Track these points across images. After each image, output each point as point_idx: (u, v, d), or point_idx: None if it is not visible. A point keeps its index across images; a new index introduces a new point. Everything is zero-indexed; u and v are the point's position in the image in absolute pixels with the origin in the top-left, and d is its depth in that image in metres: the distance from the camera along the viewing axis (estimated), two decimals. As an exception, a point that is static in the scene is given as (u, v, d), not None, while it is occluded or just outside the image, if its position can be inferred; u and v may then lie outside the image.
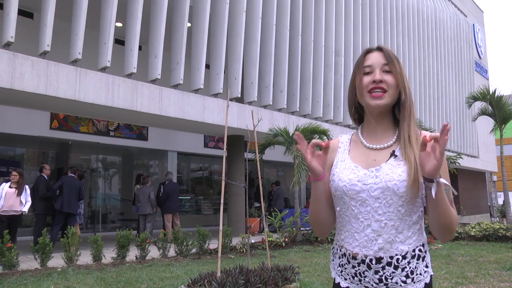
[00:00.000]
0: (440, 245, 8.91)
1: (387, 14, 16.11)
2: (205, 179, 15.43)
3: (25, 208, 7.67)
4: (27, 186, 7.84)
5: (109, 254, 7.07)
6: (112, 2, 8.16)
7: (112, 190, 13.12)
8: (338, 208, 1.39)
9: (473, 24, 24.57)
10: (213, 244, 7.96)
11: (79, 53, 7.72)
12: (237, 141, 11.52)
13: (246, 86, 10.82)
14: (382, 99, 1.33)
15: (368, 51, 1.40)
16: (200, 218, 13.99)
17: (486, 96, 13.25)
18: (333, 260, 1.44)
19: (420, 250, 1.32)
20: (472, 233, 10.08)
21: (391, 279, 1.29)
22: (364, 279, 1.32)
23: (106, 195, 12.72)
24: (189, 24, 9.64)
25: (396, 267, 1.29)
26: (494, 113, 13.21)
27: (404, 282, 1.28)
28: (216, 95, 10.00)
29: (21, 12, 8.45)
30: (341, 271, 1.39)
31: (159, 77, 8.89)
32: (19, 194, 7.58)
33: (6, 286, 5.09)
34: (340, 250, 1.39)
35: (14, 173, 7.66)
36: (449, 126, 1.10)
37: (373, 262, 1.30)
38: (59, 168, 11.27)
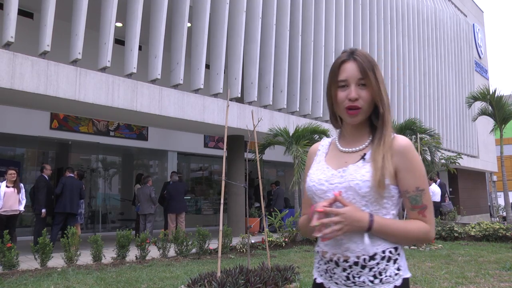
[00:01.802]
0: (440, 245, 8.91)
1: (387, 14, 16.11)
2: (205, 179, 15.43)
3: (22, 207, 7.70)
4: (22, 184, 7.85)
5: (109, 254, 7.07)
6: (112, 2, 8.15)
7: (112, 190, 13.12)
8: None
9: (473, 24, 24.57)
10: (213, 244, 7.96)
11: (79, 53, 7.72)
12: (237, 141, 11.52)
13: (246, 86, 10.82)
14: (357, 117, 1.36)
15: (343, 61, 1.37)
16: (200, 218, 14.00)
17: (486, 96, 13.25)
18: (315, 258, 1.48)
19: (390, 252, 1.30)
20: (472, 233, 10.07)
21: (358, 277, 1.30)
22: (334, 276, 1.35)
23: (106, 195, 12.72)
24: (189, 24, 9.63)
25: (363, 267, 1.29)
26: (494, 113, 13.21)
27: (372, 282, 1.29)
28: (216, 95, 10.00)
29: (21, 12, 8.45)
30: (318, 267, 1.43)
31: (159, 77, 8.89)
32: (18, 192, 7.60)
33: (6, 286, 5.09)
34: (317, 248, 1.44)
35: (12, 172, 7.61)
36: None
37: (341, 260, 1.32)
38: (59, 168, 11.27)
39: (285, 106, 11.57)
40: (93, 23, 9.03)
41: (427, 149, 11.27)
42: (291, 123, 11.28)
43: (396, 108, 16.07)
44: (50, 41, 7.34)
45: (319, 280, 1.41)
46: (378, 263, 1.29)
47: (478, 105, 14.67)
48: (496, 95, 13.02)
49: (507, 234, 9.66)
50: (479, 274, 5.83)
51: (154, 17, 9.06)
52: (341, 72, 1.36)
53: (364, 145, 1.39)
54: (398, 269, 1.31)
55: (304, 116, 12.30)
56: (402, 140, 1.35)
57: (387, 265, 1.29)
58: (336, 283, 1.34)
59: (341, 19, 13.59)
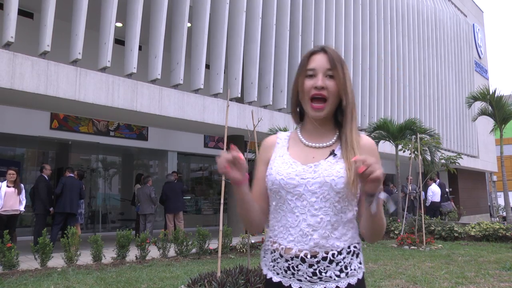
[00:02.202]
0: (440, 245, 8.91)
1: (387, 14, 16.11)
2: (205, 179, 15.43)
3: (23, 207, 7.71)
4: (22, 185, 7.86)
5: (109, 254, 7.07)
6: (112, 2, 8.16)
7: (112, 190, 13.12)
8: (274, 203, 1.40)
9: (473, 24, 24.57)
10: (213, 244, 7.96)
11: (79, 53, 7.72)
12: (237, 141, 11.49)
13: (246, 86, 10.81)
14: (322, 111, 1.36)
15: (313, 53, 1.40)
16: (200, 218, 13.99)
17: (486, 96, 13.23)
18: (264, 257, 1.43)
19: (355, 247, 1.35)
20: (472, 233, 10.08)
21: (325, 272, 1.30)
22: (298, 273, 1.32)
23: (106, 195, 12.72)
24: (189, 24, 9.63)
25: (331, 262, 1.30)
26: (494, 113, 13.19)
27: (338, 276, 1.30)
28: (216, 95, 10.00)
29: (21, 12, 8.45)
30: (273, 266, 1.38)
31: (159, 77, 8.89)
32: (19, 192, 7.61)
33: (6, 286, 5.09)
34: (272, 246, 1.39)
35: (11, 172, 7.62)
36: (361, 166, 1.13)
37: (308, 256, 1.31)
38: (59, 168, 11.27)
39: (285, 106, 11.57)
40: (93, 23, 9.03)
41: (427, 149, 11.26)
42: (291, 123, 11.23)
43: (396, 108, 16.08)
44: (50, 41, 7.34)
45: (276, 279, 1.36)
46: (344, 258, 1.31)
47: (478, 105, 14.65)
48: (496, 95, 13.01)
49: (507, 234, 9.67)
50: (479, 274, 5.83)
51: (154, 17, 9.06)
52: (310, 62, 1.38)
53: (331, 141, 1.39)
54: (360, 263, 1.35)
55: (304, 116, 12.29)
56: (369, 140, 1.40)
57: (352, 259, 1.33)
58: (300, 279, 1.32)
59: (341, 19, 13.59)
